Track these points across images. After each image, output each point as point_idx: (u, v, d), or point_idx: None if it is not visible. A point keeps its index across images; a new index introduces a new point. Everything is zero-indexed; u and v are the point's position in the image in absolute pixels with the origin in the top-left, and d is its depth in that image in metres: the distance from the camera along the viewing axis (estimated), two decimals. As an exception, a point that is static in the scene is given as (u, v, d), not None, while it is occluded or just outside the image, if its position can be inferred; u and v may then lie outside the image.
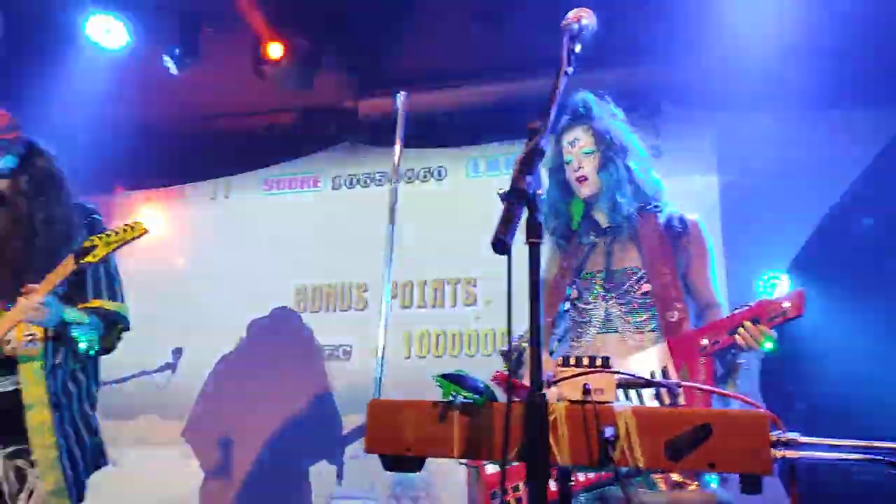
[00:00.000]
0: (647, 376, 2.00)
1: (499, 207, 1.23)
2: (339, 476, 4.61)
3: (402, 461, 1.38)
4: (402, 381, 3.89)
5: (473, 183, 4.90)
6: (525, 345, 2.34)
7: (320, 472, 4.65)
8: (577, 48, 1.59)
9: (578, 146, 2.37)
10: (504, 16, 4.49)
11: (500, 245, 1.10)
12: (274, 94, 4.88)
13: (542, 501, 1.16)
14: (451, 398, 1.33)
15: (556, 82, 1.44)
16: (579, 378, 1.26)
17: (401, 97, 1.64)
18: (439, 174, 4.95)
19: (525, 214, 1.21)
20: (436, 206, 4.78)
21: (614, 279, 2.31)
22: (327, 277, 4.95)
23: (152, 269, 5.31)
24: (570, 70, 1.52)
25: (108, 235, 2.35)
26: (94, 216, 2.56)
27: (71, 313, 2.36)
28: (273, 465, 4.77)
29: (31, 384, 2.35)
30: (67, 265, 2.30)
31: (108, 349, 2.54)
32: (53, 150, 2.57)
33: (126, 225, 2.38)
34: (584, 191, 2.37)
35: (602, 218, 2.39)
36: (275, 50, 4.50)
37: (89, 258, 2.30)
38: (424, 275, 4.73)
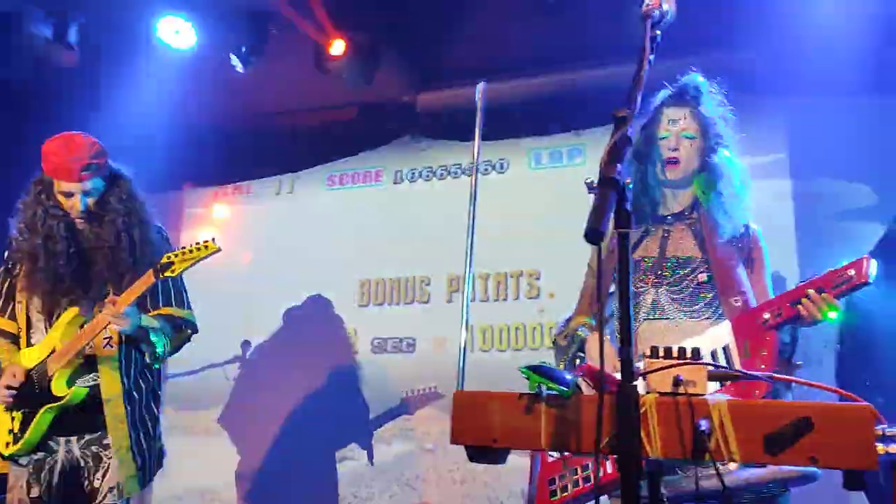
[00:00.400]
0: (708, 357, 2.00)
1: (587, 198, 1.21)
2: (370, 458, 4.72)
3: (487, 452, 1.38)
4: (467, 375, 3.89)
5: (536, 175, 4.86)
6: (581, 333, 2.31)
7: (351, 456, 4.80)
8: (658, 34, 1.55)
9: (679, 126, 2.32)
10: (563, 6, 4.45)
11: (595, 235, 1.08)
12: (335, 91, 4.94)
13: (633, 492, 1.15)
14: (537, 390, 1.32)
15: (641, 70, 1.42)
16: (670, 370, 1.24)
17: (480, 87, 1.63)
18: (501, 167, 4.93)
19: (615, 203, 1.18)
20: (498, 198, 4.76)
21: (667, 266, 2.28)
22: (390, 271, 4.99)
23: (220, 264, 5.41)
24: (653, 57, 1.49)
25: (183, 253, 2.59)
26: (164, 233, 2.89)
27: (146, 320, 2.63)
28: (303, 449, 4.88)
29: (109, 381, 2.65)
30: (148, 279, 2.55)
31: (175, 351, 2.82)
32: (130, 173, 2.84)
33: (198, 243, 2.62)
34: (671, 174, 2.32)
35: (664, 206, 2.36)
36: (336, 47, 4.56)
37: (168, 273, 2.56)
38: (487, 268, 4.73)
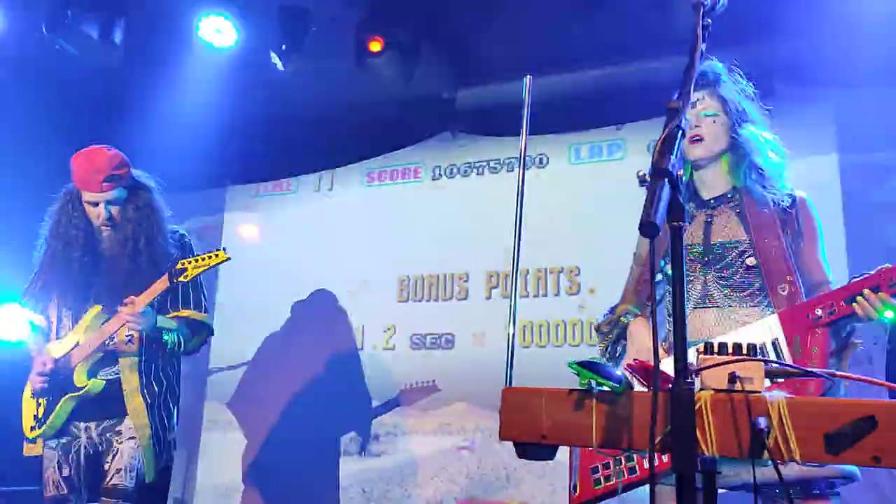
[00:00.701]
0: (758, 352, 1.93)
1: (627, 193, 1.19)
2: (363, 449, 4.84)
3: (536, 448, 1.37)
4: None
5: (576, 169, 4.82)
6: (624, 320, 2.30)
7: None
8: (710, 24, 1.52)
9: (699, 107, 2.29)
10: (602, 0, 4.40)
11: (651, 227, 1.06)
12: (374, 87, 4.94)
13: (689, 492, 1.13)
14: (587, 385, 1.31)
15: (693, 60, 1.38)
16: (726, 366, 1.21)
17: (527, 80, 1.61)
18: (541, 162, 4.90)
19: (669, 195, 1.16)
20: (537, 194, 4.73)
21: (713, 252, 2.23)
22: (429, 267, 4.99)
23: (260, 260, 5.50)
24: (704, 46, 1.46)
25: (196, 260, 2.84)
26: (185, 239, 3.09)
27: (163, 321, 2.89)
28: (306, 436, 4.98)
29: (129, 375, 2.89)
30: (163, 282, 2.82)
31: (193, 351, 3.09)
32: (153, 182, 3.08)
33: (210, 253, 2.87)
34: (696, 151, 2.28)
35: (704, 189, 2.31)
36: (376, 45, 4.56)
37: (181, 278, 2.82)
38: (526, 264, 4.71)
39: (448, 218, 5.01)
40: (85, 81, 4.79)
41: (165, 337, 2.90)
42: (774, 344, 1.98)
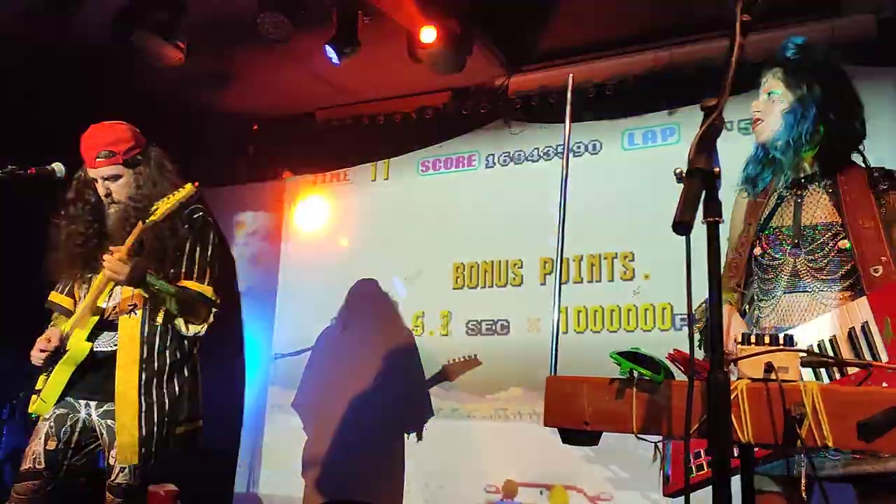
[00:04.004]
0: (844, 335, 1.85)
1: (677, 187, 1.22)
2: (420, 438, 4.93)
3: (580, 434, 1.43)
4: (562, 357, 3.90)
5: (630, 155, 4.81)
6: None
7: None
8: (750, 20, 1.53)
9: (763, 89, 2.25)
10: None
11: (684, 226, 1.11)
12: (427, 76, 5.01)
13: (724, 477, 1.18)
14: (628, 375, 1.36)
15: (731, 57, 1.40)
16: (762, 356, 1.25)
17: (570, 78, 1.66)
18: (594, 148, 4.90)
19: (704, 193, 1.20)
20: (591, 180, 4.74)
21: (804, 234, 2.16)
22: (484, 254, 5.06)
23: (319, 249, 5.66)
24: (744, 41, 1.47)
25: (168, 199, 2.65)
26: (196, 216, 2.84)
27: (155, 280, 2.65)
28: (365, 423, 5.09)
29: (128, 347, 2.69)
30: (138, 227, 2.62)
31: (197, 323, 2.79)
32: (168, 161, 2.89)
33: (181, 189, 2.68)
34: (759, 136, 2.24)
35: (791, 169, 2.23)
36: (427, 34, 4.61)
37: (152, 217, 2.62)
38: (581, 249, 4.73)
39: (502, 205, 5.06)
40: (148, 80, 4.98)
41: (167, 303, 2.71)
42: (864, 328, 1.87)
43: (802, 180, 2.23)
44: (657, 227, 4.32)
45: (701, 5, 4.60)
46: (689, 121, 4.58)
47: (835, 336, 1.90)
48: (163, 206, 2.63)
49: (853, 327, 1.85)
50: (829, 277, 2.11)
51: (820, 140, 2.16)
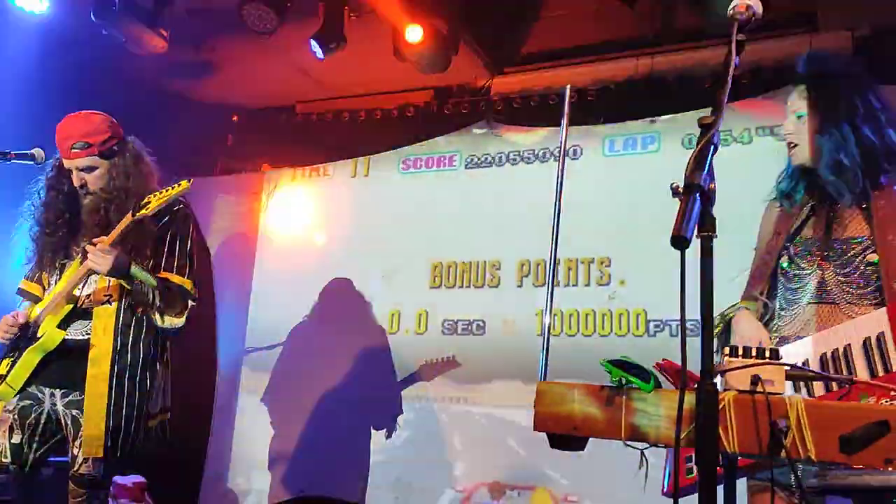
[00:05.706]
0: (859, 345, 1.85)
1: (661, 185, 1.25)
2: (388, 435, 4.93)
3: (568, 440, 1.46)
4: (536, 359, 3.93)
5: (610, 161, 4.86)
6: (729, 313, 2.22)
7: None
8: (744, 39, 1.57)
9: (792, 109, 2.24)
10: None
11: (681, 241, 1.14)
12: (410, 75, 5.02)
13: (710, 486, 1.21)
14: (618, 383, 1.39)
15: (726, 75, 1.44)
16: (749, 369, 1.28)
17: (567, 90, 1.69)
18: (575, 153, 4.94)
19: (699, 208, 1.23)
20: (571, 185, 4.74)
21: (834, 247, 2.16)
22: (462, 255, 5.07)
23: (296, 243, 5.64)
24: (738, 61, 1.51)
25: (160, 193, 2.67)
26: (177, 208, 2.86)
27: (140, 272, 2.67)
28: (335, 419, 5.09)
29: (101, 337, 2.67)
30: (126, 219, 2.65)
31: (173, 314, 2.80)
32: (145, 152, 2.91)
33: (174, 184, 2.71)
34: (794, 159, 2.24)
35: (825, 184, 2.19)
36: (413, 33, 4.61)
37: (143, 211, 2.65)
38: (558, 253, 4.74)
39: (482, 206, 5.08)
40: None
41: (145, 293, 2.70)
42: (879, 339, 1.86)
43: (830, 195, 2.20)
44: (635, 233, 4.45)
45: (684, 15, 4.68)
46: (670, 129, 4.64)
47: (849, 345, 1.89)
48: (155, 202, 2.65)
49: (868, 337, 1.87)
50: (857, 291, 2.10)
51: (860, 154, 2.13)
